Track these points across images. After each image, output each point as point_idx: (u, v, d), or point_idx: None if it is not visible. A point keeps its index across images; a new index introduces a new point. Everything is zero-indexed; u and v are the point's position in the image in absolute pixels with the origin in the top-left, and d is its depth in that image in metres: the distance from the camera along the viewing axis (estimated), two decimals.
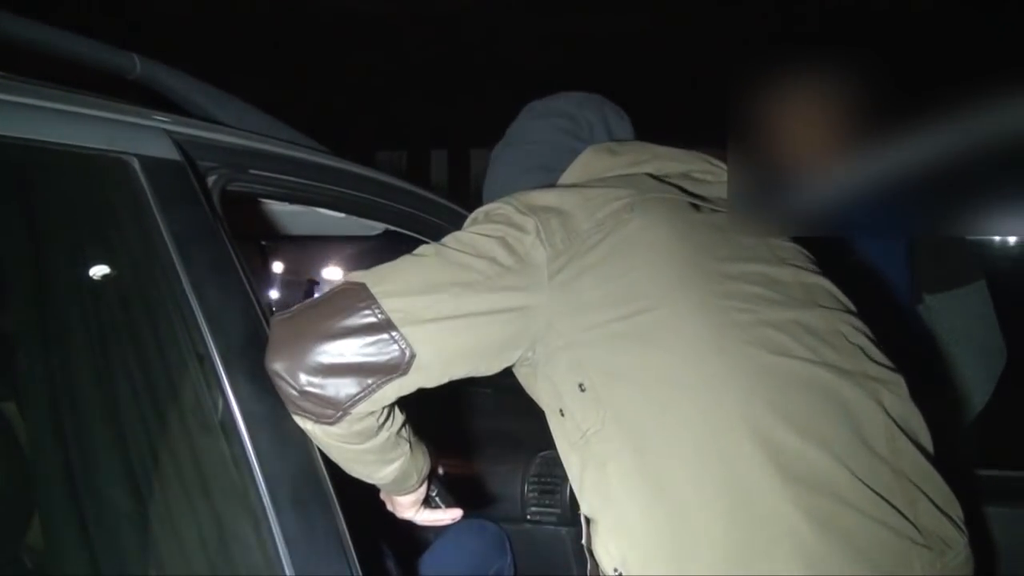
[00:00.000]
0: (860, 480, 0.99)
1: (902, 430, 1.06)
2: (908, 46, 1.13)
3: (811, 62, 1.13)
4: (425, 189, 1.78)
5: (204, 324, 1.02)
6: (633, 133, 1.43)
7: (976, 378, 2.13)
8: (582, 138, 1.37)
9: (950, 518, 1.05)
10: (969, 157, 1.08)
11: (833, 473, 0.98)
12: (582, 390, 1.06)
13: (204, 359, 1.02)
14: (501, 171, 1.43)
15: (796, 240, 1.25)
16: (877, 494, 0.99)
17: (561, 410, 1.10)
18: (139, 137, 1.10)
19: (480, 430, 2.17)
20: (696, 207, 1.17)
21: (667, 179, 1.24)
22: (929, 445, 1.10)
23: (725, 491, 0.98)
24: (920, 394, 1.12)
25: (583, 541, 1.15)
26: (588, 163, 1.29)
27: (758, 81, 1.15)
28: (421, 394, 1.09)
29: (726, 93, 1.16)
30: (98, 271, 1.08)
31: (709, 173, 1.30)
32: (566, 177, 1.31)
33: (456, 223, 1.67)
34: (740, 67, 1.16)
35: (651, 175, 1.24)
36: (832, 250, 2.13)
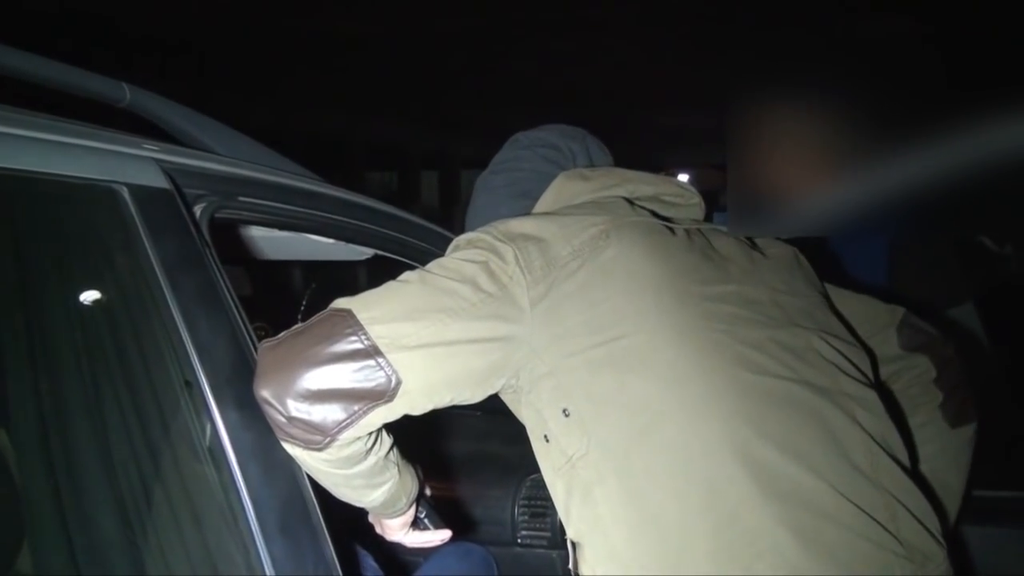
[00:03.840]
0: (842, 494, 1.01)
1: (880, 445, 1.09)
2: (895, 69, 1.16)
3: (804, 88, 1.16)
4: (413, 213, 1.79)
5: (193, 351, 1.03)
6: (613, 165, 1.45)
7: None
8: (566, 167, 1.39)
9: (930, 531, 1.07)
10: (951, 169, 1.11)
11: (815, 488, 1.00)
12: (566, 415, 1.08)
13: (192, 386, 1.02)
14: (484, 198, 1.45)
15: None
16: (859, 508, 1.01)
17: (546, 436, 1.11)
18: (128, 166, 1.10)
19: (470, 454, 2.17)
20: (671, 230, 1.19)
21: (639, 202, 1.27)
22: (906, 460, 1.12)
23: (709, 510, 0.99)
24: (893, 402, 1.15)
25: (570, 566, 1.15)
26: (561, 188, 1.31)
27: (754, 104, 1.18)
28: (410, 418, 1.09)
29: (724, 114, 1.19)
30: (88, 299, 1.08)
31: (679, 196, 1.32)
32: (541, 204, 1.33)
33: (443, 248, 1.69)
34: (737, 91, 1.19)
35: (625, 198, 1.26)
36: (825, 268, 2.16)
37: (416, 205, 14.97)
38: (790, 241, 1.35)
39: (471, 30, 8.90)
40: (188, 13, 8.04)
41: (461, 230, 1.30)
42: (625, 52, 9.63)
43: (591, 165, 1.41)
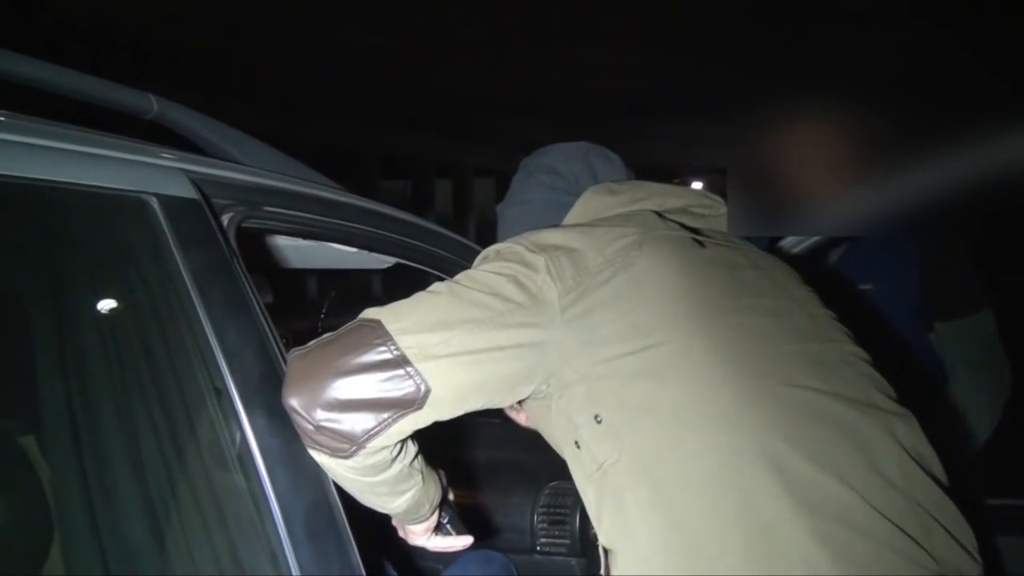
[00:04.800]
0: (874, 509, 1.00)
1: (915, 460, 1.07)
2: (908, 78, 1.17)
3: (807, 102, 1.17)
4: (427, 220, 1.81)
5: (222, 359, 1.04)
6: (626, 172, 1.47)
7: (982, 406, 2.15)
8: (571, 192, 1.40)
9: (964, 547, 1.05)
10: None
11: (847, 502, 0.99)
12: (598, 422, 1.08)
13: (222, 394, 1.04)
14: (503, 228, 1.47)
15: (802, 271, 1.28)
16: (892, 523, 1.00)
17: (577, 442, 1.11)
18: (157, 177, 1.12)
19: (489, 461, 2.17)
20: (700, 243, 1.20)
21: (668, 215, 1.27)
22: (942, 475, 1.10)
23: (741, 521, 0.99)
24: (928, 421, 1.14)
25: (601, 572, 1.15)
26: (588, 203, 1.33)
27: (757, 116, 1.19)
28: (430, 425, 1.10)
29: (728, 124, 1.20)
30: (118, 308, 1.10)
31: (708, 207, 1.33)
32: (570, 217, 1.34)
33: (463, 255, 1.70)
34: (741, 104, 1.20)
35: (654, 212, 1.27)
36: (845, 277, 2.17)
37: (430, 213, 15.04)
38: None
39: (484, 40, 8.93)
40: (203, 23, 8.10)
41: (476, 237, 1.31)
42: (637, 61, 9.64)
43: (596, 182, 1.42)
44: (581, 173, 1.44)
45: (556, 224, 1.35)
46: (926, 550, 1.00)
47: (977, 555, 1.07)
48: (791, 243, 1.89)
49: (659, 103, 11.77)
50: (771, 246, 1.88)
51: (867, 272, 2.21)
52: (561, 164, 1.45)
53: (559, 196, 1.40)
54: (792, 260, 1.32)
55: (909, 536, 1.00)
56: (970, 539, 1.07)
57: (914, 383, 1.19)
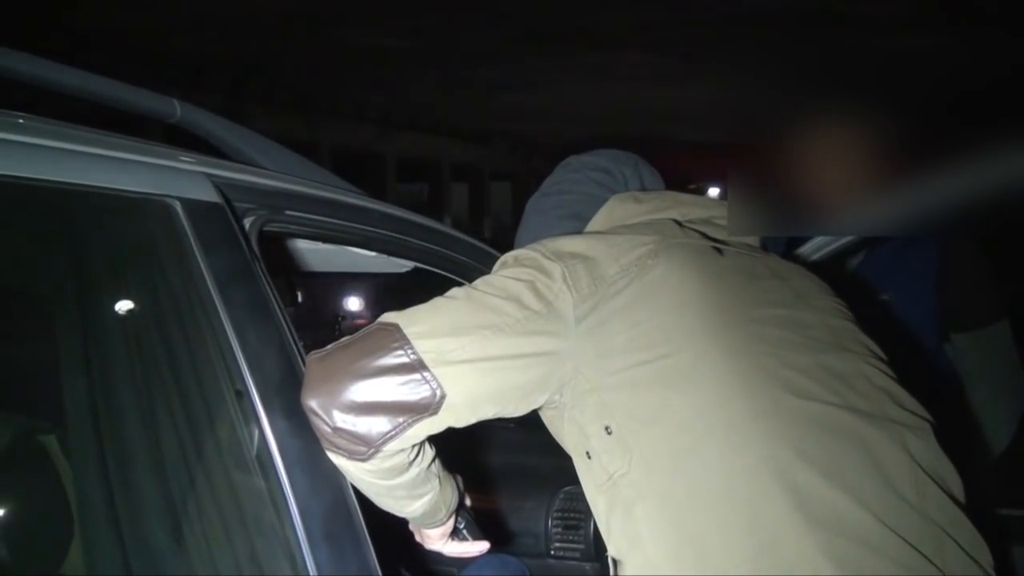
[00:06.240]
0: (886, 525, 0.98)
1: (929, 475, 1.06)
2: (919, 87, 1.18)
3: (807, 105, 1.18)
4: (443, 223, 1.82)
5: (243, 361, 1.05)
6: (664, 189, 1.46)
7: (998, 418, 2.14)
8: (617, 190, 1.40)
9: (979, 564, 1.04)
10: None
11: (859, 518, 0.98)
12: (608, 433, 1.08)
13: (242, 395, 1.05)
14: (535, 220, 1.46)
15: (823, 277, 1.28)
16: (903, 539, 0.98)
17: (588, 452, 1.11)
18: (181, 181, 1.14)
19: (504, 466, 2.17)
20: (720, 251, 1.19)
21: (690, 224, 1.27)
22: (958, 490, 1.09)
23: (751, 535, 0.98)
24: (944, 433, 1.13)
25: None
26: (613, 210, 1.32)
27: (761, 127, 1.20)
28: (446, 429, 1.11)
29: (729, 135, 1.21)
30: (141, 310, 1.11)
31: None
32: (592, 224, 1.33)
33: (480, 260, 1.71)
34: (742, 116, 1.21)
35: (675, 221, 1.26)
36: (861, 288, 2.17)
37: (446, 216, 15.09)
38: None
39: (502, 45, 8.95)
40: (222, 28, 8.15)
41: (492, 241, 1.31)
42: (654, 67, 9.64)
43: (643, 189, 1.42)
44: (631, 176, 1.44)
45: (591, 218, 1.35)
46: (938, 567, 0.99)
47: (992, 572, 1.05)
48: (810, 249, 1.89)
49: (676, 108, 11.77)
50: (787, 253, 1.88)
51: (884, 282, 2.20)
52: (611, 164, 1.45)
53: (605, 193, 1.39)
54: (812, 267, 1.31)
55: (921, 552, 0.99)
56: (985, 556, 1.06)
57: (930, 394, 1.18)
